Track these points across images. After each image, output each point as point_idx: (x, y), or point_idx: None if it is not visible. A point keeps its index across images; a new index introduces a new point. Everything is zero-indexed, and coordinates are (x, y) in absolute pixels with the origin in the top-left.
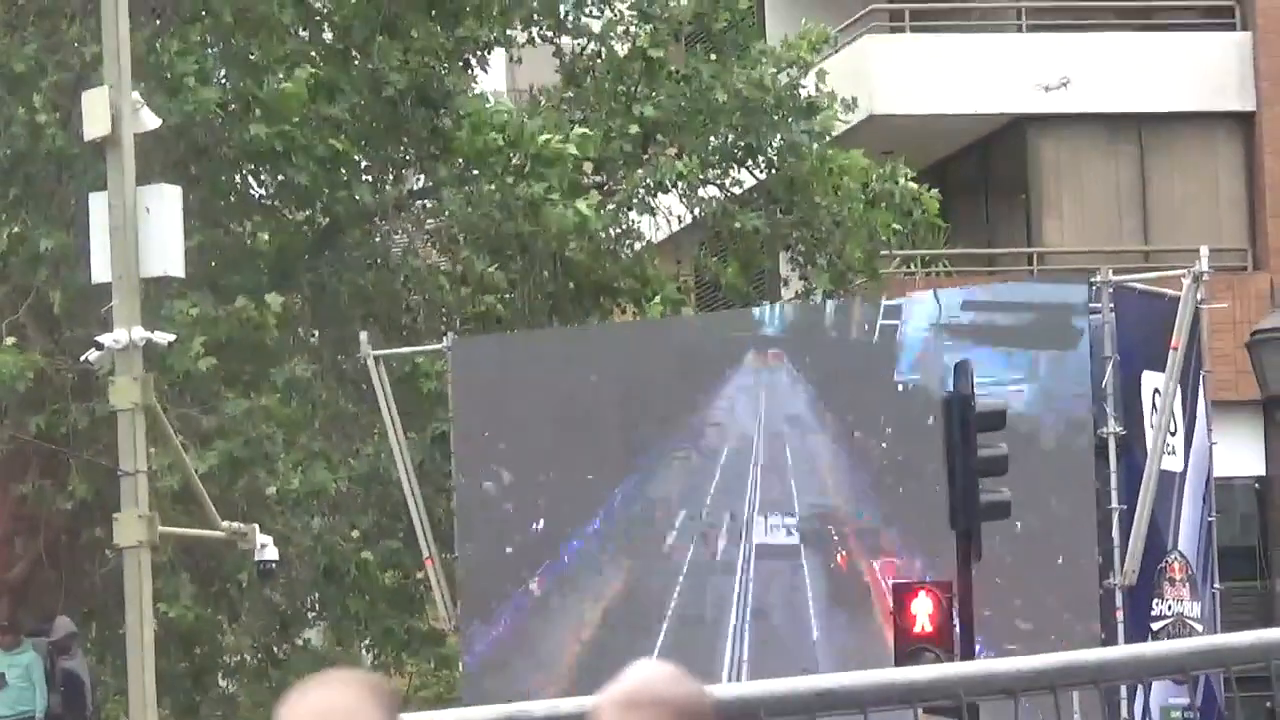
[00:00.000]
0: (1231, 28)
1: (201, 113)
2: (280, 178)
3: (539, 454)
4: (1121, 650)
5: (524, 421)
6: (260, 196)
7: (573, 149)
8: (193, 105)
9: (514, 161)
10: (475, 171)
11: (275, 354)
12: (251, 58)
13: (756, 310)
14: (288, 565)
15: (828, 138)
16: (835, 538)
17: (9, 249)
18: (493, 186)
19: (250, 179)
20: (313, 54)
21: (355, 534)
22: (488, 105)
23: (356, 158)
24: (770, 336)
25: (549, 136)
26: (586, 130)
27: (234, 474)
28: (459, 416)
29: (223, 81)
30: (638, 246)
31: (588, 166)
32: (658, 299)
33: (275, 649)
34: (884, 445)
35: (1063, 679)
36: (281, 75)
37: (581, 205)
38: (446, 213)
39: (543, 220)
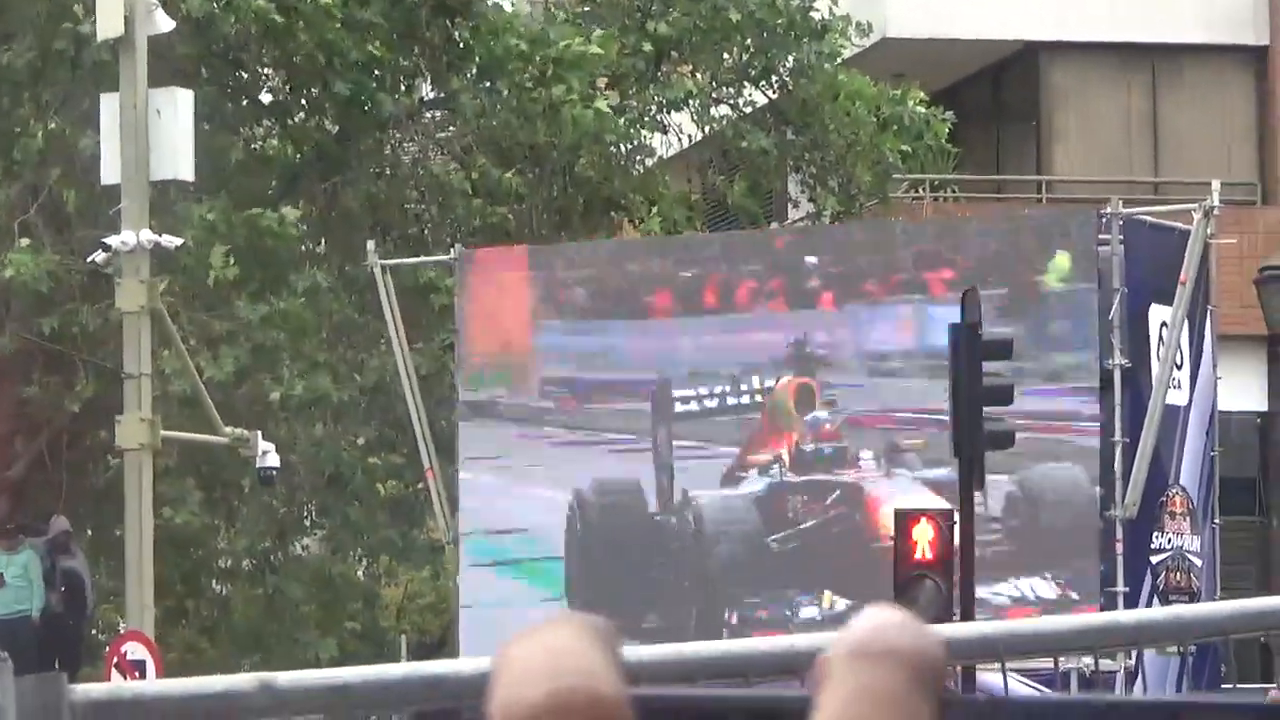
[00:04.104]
0: None
1: (244, 19)
2: (308, 85)
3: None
4: (1160, 612)
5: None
6: (276, 101)
7: (596, 49)
8: (249, 12)
9: (534, 68)
10: (488, 82)
11: (287, 260)
12: None
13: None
14: (290, 471)
15: (838, 60)
16: None
17: (44, 148)
18: (508, 93)
19: (264, 84)
20: None
21: (360, 442)
22: (507, 11)
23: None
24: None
25: (569, 41)
26: (600, 35)
27: (241, 380)
28: (464, 328)
29: None
30: (649, 163)
31: (601, 82)
32: (656, 212)
33: (271, 556)
34: None
35: (1102, 640)
36: None
37: (601, 104)
38: (459, 121)
39: (561, 124)
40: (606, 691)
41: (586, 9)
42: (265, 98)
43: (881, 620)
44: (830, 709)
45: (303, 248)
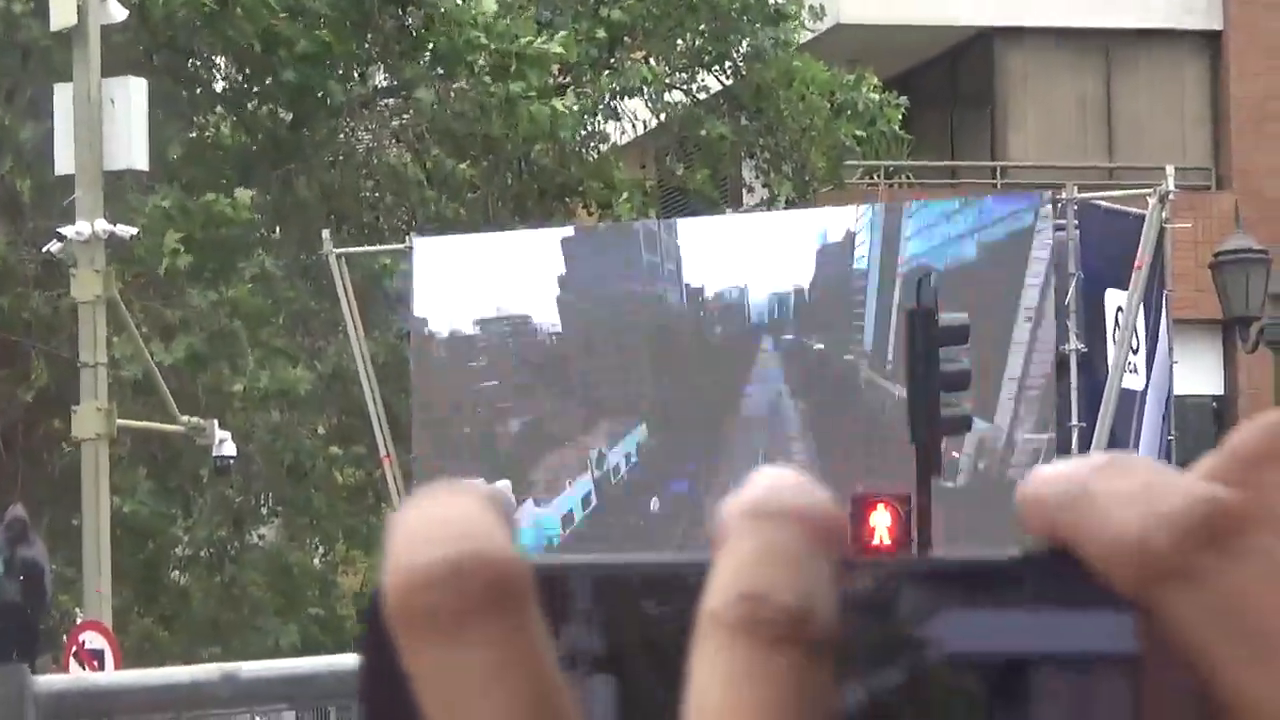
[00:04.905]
0: None
1: (190, 9)
2: (252, 72)
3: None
4: None
5: (485, 325)
6: (228, 90)
7: (557, 48)
8: (181, 1)
9: (488, 57)
10: (440, 71)
11: (241, 248)
12: None
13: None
14: (247, 460)
15: (793, 46)
16: None
17: None
18: (467, 85)
19: (218, 73)
20: None
21: (320, 431)
22: (464, 3)
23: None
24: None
25: (531, 39)
26: (564, 35)
27: (197, 368)
28: (419, 315)
29: None
30: (603, 149)
31: (555, 69)
32: (625, 198)
33: (228, 545)
34: None
35: None
36: None
37: (558, 103)
38: (411, 111)
39: (516, 118)
40: (504, 555)
41: None
42: (219, 86)
43: (778, 481)
44: (729, 569)
45: (259, 233)
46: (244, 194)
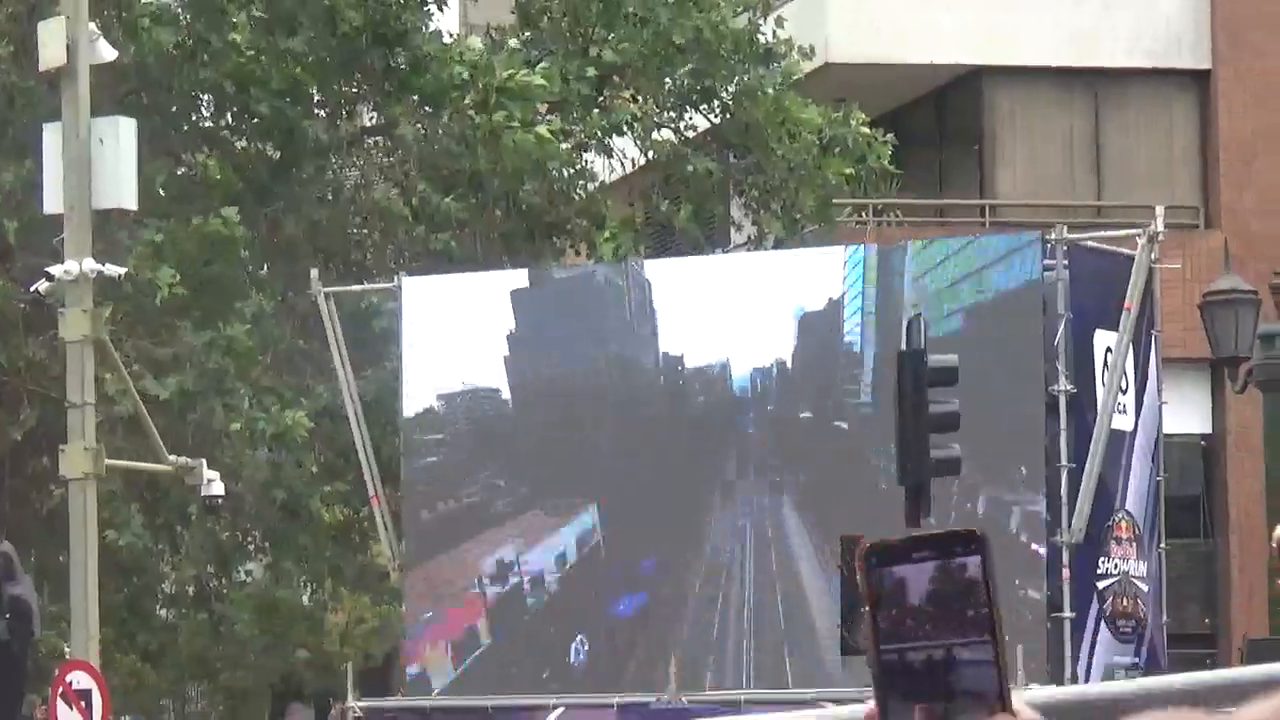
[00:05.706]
0: None
1: (155, 53)
2: (235, 110)
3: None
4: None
5: (476, 364)
6: (214, 128)
7: (539, 80)
8: (148, 46)
9: (475, 94)
10: (429, 109)
11: (232, 286)
12: None
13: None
14: (235, 498)
15: (789, 82)
16: None
17: None
18: (449, 120)
19: (203, 110)
20: None
21: (313, 470)
22: (450, 42)
23: (311, 92)
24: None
25: (513, 71)
26: (546, 66)
27: (186, 405)
28: (409, 356)
29: (184, 19)
30: (590, 187)
31: (543, 108)
32: (609, 235)
33: (214, 581)
34: None
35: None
36: (235, 18)
37: (542, 129)
38: (398, 150)
39: (502, 150)
40: None
41: (528, 35)
42: (204, 124)
43: None
44: None
45: (248, 269)
46: (232, 212)
